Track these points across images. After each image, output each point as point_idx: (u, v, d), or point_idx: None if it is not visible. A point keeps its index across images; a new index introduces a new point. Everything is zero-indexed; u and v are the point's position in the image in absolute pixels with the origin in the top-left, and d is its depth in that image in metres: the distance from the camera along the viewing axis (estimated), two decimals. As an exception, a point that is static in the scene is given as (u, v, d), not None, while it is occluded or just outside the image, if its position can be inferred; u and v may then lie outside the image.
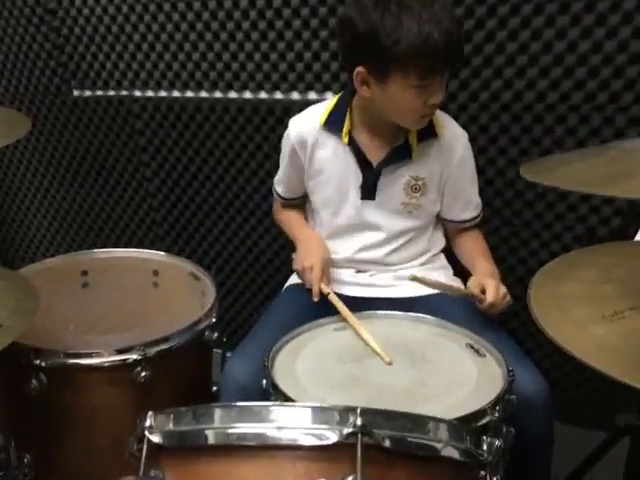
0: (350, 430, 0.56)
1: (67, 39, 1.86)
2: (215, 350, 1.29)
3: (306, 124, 1.29)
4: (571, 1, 1.29)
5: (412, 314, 1.14)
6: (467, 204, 1.32)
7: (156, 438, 0.61)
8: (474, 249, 1.33)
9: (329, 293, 1.17)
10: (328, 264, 1.26)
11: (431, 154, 1.25)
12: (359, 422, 0.56)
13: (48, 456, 1.14)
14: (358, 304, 1.23)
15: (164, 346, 1.11)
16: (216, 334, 1.20)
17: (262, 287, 1.90)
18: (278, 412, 0.59)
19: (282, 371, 0.98)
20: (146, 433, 0.61)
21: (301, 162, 1.31)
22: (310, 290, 1.18)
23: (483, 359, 1.01)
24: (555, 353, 1.54)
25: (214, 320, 1.21)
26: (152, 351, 1.08)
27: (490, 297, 1.12)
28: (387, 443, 0.58)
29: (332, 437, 0.56)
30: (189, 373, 1.21)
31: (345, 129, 1.24)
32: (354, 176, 1.26)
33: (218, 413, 0.59)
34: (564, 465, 1.39)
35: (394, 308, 1.18)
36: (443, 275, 1.32)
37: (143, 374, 1.07)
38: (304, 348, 1.05)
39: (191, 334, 1.15)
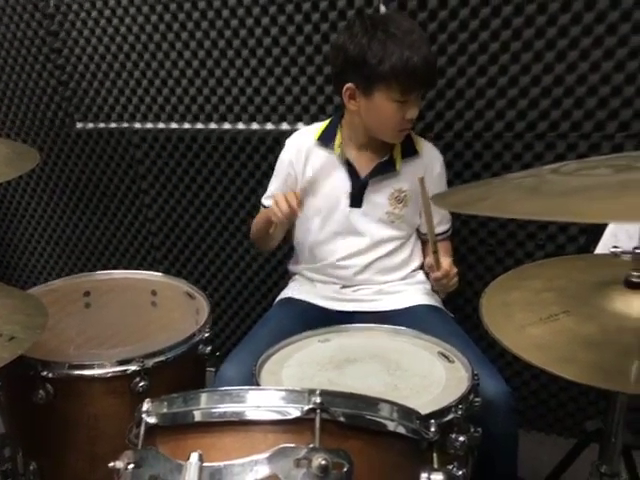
0: (310, 407, 0.68)
1: (71, 76, 1.99)
2: (209, 369, 1.38)
3: (303, 138, 1.44)
4: (557, 38, 1.42)
5: (389, 326, 1.23)
6: (442, 217, 1.45)
7: (152, 419, 0.71)
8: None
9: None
10: None
11: (413, 170, 1.39)
12: (318, 400, 0.69)
13: (53, 463, 1.21)
14: (341, 318, 1.33)
15: (161, 358, 1.19)
16: (209, 348, 1.29)
17: (255, 307, 2.00)
18: (253, 394, 0.71)
19: (268, 378, 1.06)
20: (143, 416, 0.71)
21: (295, 175, 1.43)
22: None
23: (452, 365, 1.09)
24: (515, 362, 1.64)
25: (207, 334, 1.29)
26: (150, 362, 1.17)
27: (446, 265, 1.24)
28: (342, 418, 0.70)
29: (294, 413, 0.68)
30: (184, 385, 1.28)
31: (337, 142, 1.39)
32: (344, 185, 1.39)
33: (204, 396, 0.71)
34: (538, 470, 1.46)
35: (375, 321, 1.27)
36: (422, 289, 1.42)
37: (141, 384, 1.15)
38: (290, 358, 1.14)
39: (186, 347, 1.24)
